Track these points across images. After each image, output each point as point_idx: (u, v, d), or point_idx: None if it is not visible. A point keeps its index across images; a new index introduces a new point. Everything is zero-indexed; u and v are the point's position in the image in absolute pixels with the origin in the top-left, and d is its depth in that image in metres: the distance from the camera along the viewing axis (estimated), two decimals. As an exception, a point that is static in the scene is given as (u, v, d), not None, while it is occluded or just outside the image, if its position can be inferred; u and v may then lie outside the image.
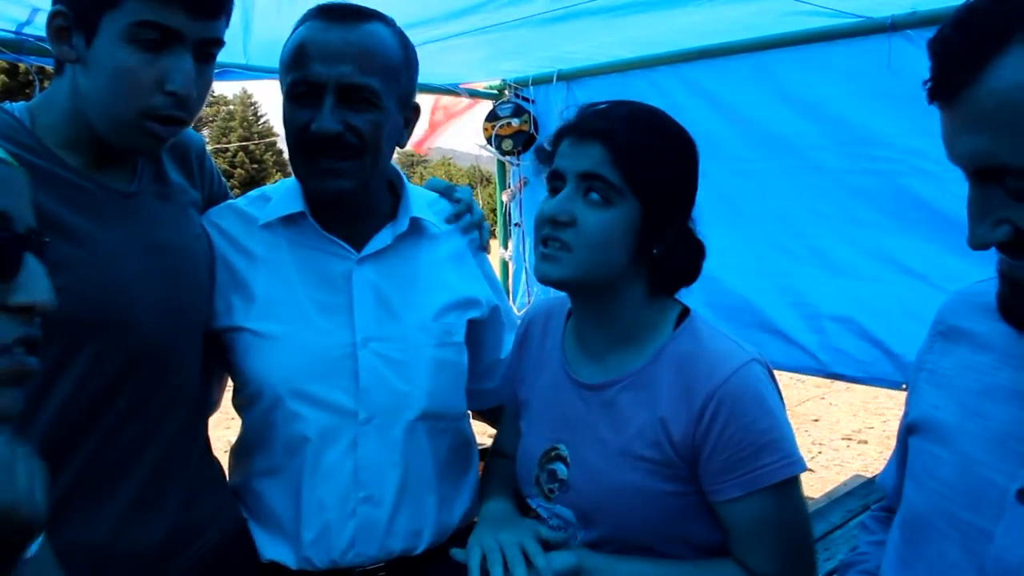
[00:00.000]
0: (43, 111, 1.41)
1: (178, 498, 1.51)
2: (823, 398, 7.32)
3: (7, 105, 1.44)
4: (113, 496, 1.40)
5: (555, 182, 1.39)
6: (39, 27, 3.41)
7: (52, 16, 1.36)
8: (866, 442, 6.40)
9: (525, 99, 4.52)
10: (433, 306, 1.66)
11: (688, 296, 1.49)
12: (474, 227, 1.83)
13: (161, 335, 1.43)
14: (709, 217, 1.48)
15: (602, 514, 1.41)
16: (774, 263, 3.40)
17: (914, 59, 2.71)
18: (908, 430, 1.18)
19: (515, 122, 4.41)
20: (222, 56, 1.50)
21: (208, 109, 46.01)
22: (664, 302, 1.46)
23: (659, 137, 1.38)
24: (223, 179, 1.84)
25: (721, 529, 1.39)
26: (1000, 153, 0.87)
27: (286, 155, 1.65)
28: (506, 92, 4.55)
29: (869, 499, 2.93)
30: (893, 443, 1.33)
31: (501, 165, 4.55)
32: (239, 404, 1.68)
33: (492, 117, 4.48)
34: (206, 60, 1.42)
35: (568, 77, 4.27)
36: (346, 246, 1.63)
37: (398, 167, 1.76)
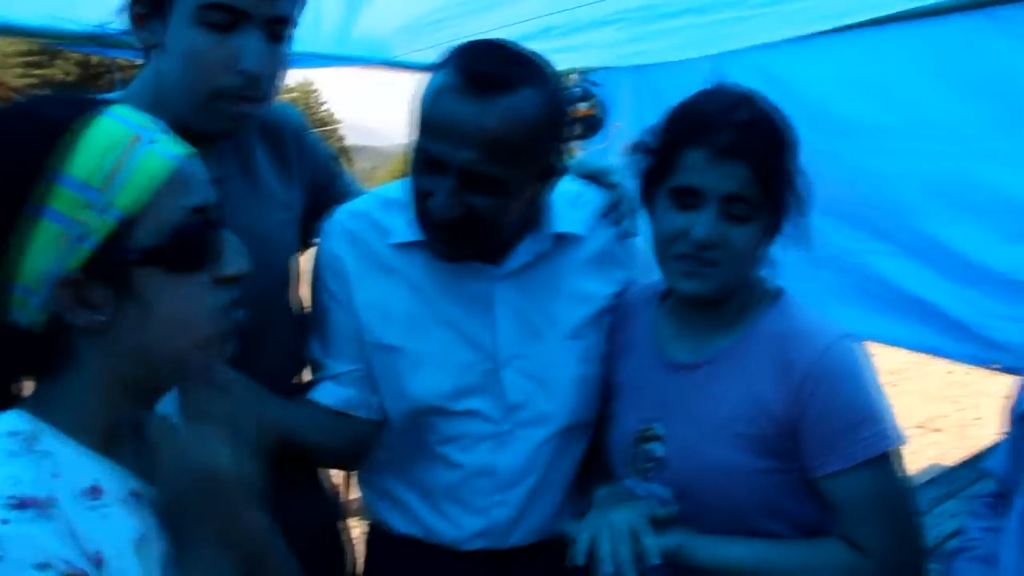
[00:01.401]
0: (130, 98, 1.43)
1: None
2: (895, 385, 7.20)
3: (100, 97, 1.47)
4: None
5: (687, 198, 1.37)
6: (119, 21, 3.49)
7: (132, 3, 1.39)
8: (940, 430, 6.27)
9: (592, 83, 4.49)
10: (573, 321, 1.61)
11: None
12: (624, 217, 1.69)
13: (244, 325, 1.44)
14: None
15: (699, 491, 1.42)
16: (839, 246, 3.33)
17: (995, 41, 2.64)
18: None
19: (582, 106, 4.38)
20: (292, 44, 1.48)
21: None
22: (759, 281, 1.48)
23: (788, 142, 1.40)
24: (329, 155, 1.80)
25: (819, 507, 1.39)
26: None
27: (348, 142, 1.62)
28: (573, 76, 4.53)
29: (952, 487, 2.86)
30: (968, 432, 1.32)
31: (569, 150, 4.54)
32: None
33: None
34: (277, 39, 1.41)
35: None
36: (484, 265, 1.56)
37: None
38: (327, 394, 1.60)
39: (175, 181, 0.91)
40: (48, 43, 4.34)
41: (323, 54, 3.74)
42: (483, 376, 1.57)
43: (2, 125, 0.88)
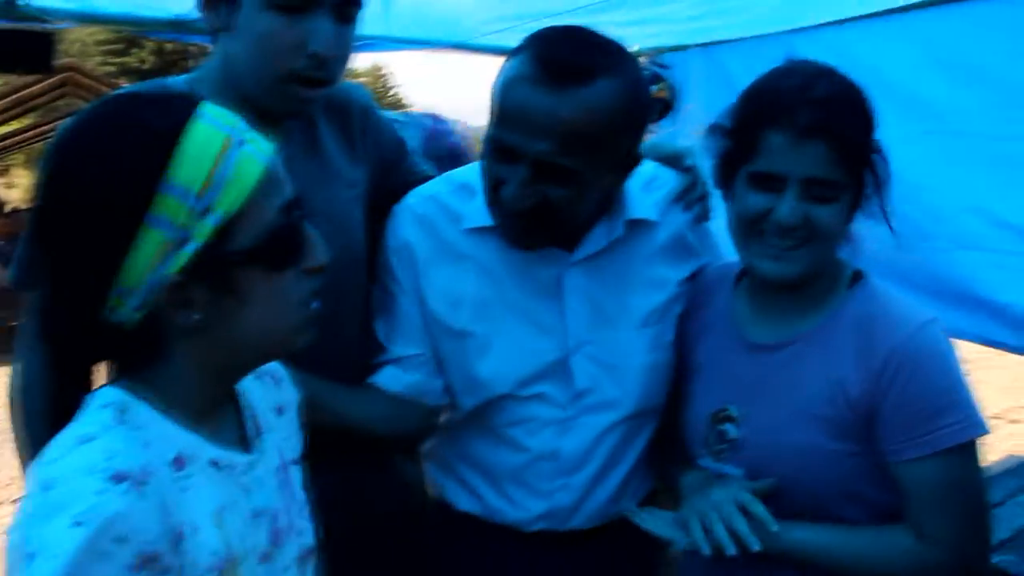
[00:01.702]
0: (199, 81, 1.48)
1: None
2: (969, 374, 6.99)
3: (169, 80, 1.52)
4: None
5: (768, 182, 1.35)
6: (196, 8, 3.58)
7: None
8: (1018, 421, 6.10)
9: (662, 65, 4.45)
10: (645, 308, 1.60)
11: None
12: (698, 200, 1.66)
13: None
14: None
15: (775, 472, 1.41)
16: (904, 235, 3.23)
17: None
18: None
19: (653, 89, 4.34)
20: (363, 28, 1.49)
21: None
22: (839, 263, 1.45)
23: (867, 116, 1.37)
24: (397, 139, 1.80)
25: (893, 492, 1.37)
26: None
27: None
28: (643, 59, 4.49)
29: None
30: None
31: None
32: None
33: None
34: (346, 20, 1.43)
35: (709, 43, 4.18)
36: (556, 250, 1.55)
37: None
38: (391, 380, 1.62)
39: (267, 181, 0.94)
40: (130, 31, 4.46)
41: (394, 37, 3.77)
42: (551, 362, 1.57)
43: (108, 139, 0.91)
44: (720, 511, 1.35)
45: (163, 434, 0.94)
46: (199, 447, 0.97)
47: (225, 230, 0.91)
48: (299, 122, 1.56)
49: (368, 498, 1.65)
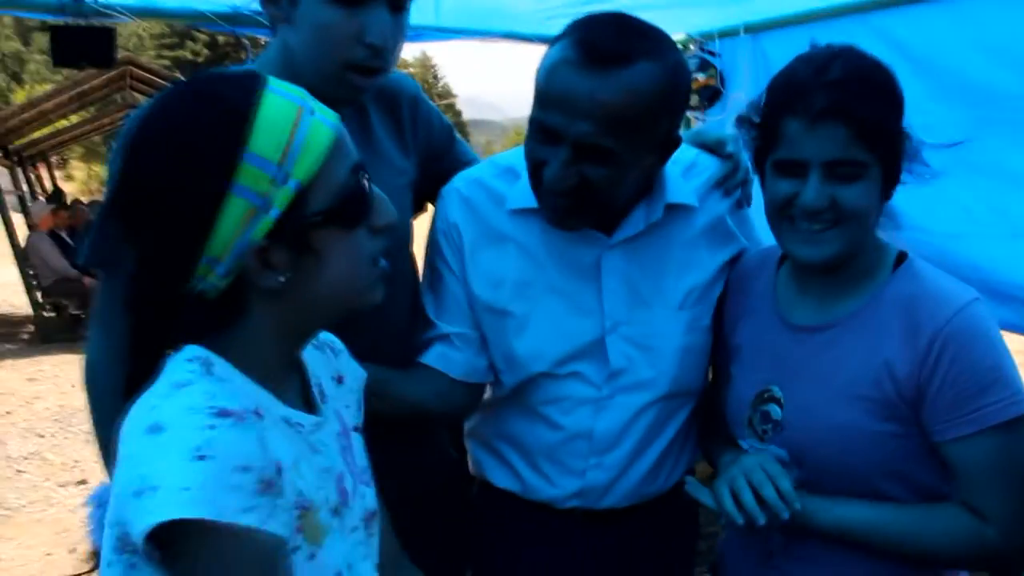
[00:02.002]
0: (261, 69, 1.52)
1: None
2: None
3: (227, 70, 1.58)
4: None
5: (791, 169, 1.38)
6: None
7: None
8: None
9: (711, 53, 4.45)
10: (682, 291, 1.63)
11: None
12: (738, 187, 1.70)
13: None
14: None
15: (818, 453, 1.43)
16: (956, 224, 3.19)
17: None
18: None
19: (700, 76, 4.34)
20: (414, 18, 1.56)
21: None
22: (882, 245, 1.47)
23: (887, 93, 1.37)
24: (447, 127, 1.87)
25: (939, 472, 1.39)
26: None
27: (465, 116, 1.69)
28: (691, 46, 4.49)
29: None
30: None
31: (687, 120, 4.51)
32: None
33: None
34: (399, 11, 1.51)
35: (755, 29, 4.16)
36: (595, 233, 1.59)
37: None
38: (440, 358, 1.67)
39: (336, 146, 1.01)
40: (186, 24, 4.56)
41: (443, 27, 3.83)
42: (588, 342, 1.61)
43: (186, 114, 0.96)
44: (751, 478, 1.38)
45: (243, 388, 1.00)
46: (272, 404, 1.03)
47: (303, 194, 0.97)
48: (352, 111, 1.62)
49: (411, 476, 1.71)
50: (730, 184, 1.68)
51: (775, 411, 1.49)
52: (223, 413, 0.90)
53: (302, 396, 1.14)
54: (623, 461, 1.65)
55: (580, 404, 1.63)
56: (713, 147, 1.72)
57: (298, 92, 1.02)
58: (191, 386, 0.93)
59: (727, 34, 4.29)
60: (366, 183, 1.06)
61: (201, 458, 0.85)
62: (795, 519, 1.36)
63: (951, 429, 1.34)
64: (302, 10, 1.47)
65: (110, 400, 1.22)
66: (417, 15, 1.60)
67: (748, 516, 1.36)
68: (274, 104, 0.97)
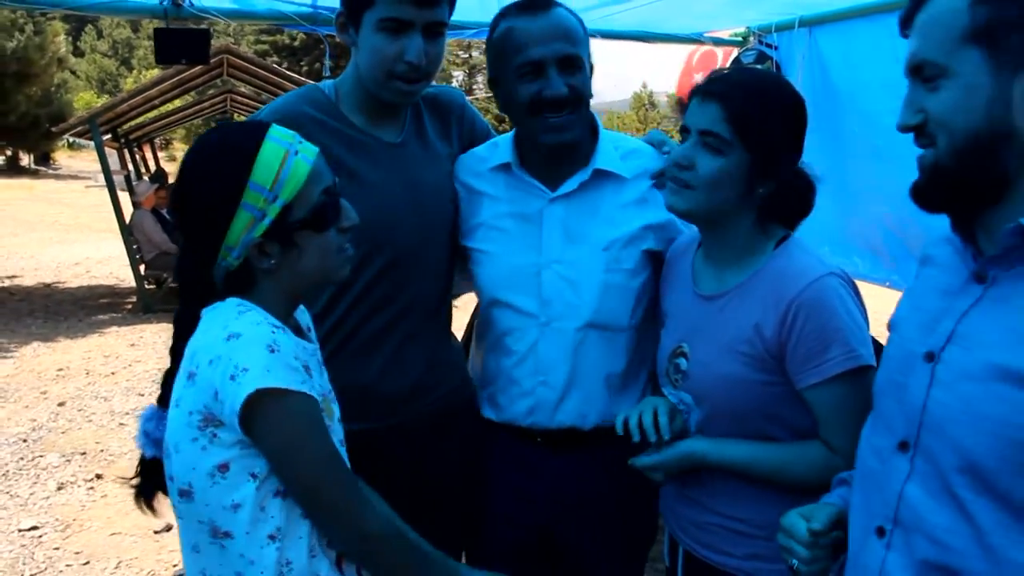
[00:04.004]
0: (342, 84, 2.07)
1: (422, 360, 2.10)
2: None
3: (322, 84, 2.11)
4: (377, 353, 2.03)
5: (684, 134, 1.74)
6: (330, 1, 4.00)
7: (336, 16, 2.02)
8: None
9: (768, 46, 4.59)
10: (607, 238, 2.04)
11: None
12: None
13: (413, 246, 2.03)
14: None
15: (713, 398, 1.77)
16: None
17: None
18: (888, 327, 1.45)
19: (759, 67, 4.47)
20: (470, 16, 1.97)
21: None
22: (772, 230, 1.77)
23: (768, 99, 1.68)
24: (486, 126, 2.32)
25: (807, 415, 1.69)
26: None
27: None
28: (750, 40, 4.64)
29: None
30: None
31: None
32: None
33: (736, 64, 4.58)
34: (435, 36, 1.98)
35: (810, 23, 4.30)
36: (543, 188, 2.06)
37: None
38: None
39: (312, 176, 1.46)
40: (273, 24, 4.87)
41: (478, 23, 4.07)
42: (528, 275, 2.03)
43: (213, 155, 1.45)
44: (642, 411, 1.77)
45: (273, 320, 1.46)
46: (289, 335, 1.45)
47: (287, 209, 1.44)
48: (412, 116, 2.11)
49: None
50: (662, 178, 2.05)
51: (683, 363, 1.83)
52: (276, 327, 1.39)
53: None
54: (564, 380, 2.04)
55: (527, 331, 2.05)
56: (657, 146, 2.13)
57: (288, 137, 1.46)
58: (251, 311, 1.41)
59: (784, 27, 4.44)
60: (335, 199, 1.51)
61: (273, 351, 1.34)
62: (690, 458, 1.75)
63: (804, 379, 1.65)
64: (361, 38, 1.97)
65: None
66: (464, 12, 2.04)
67: (629, 432, 1.74)
68: (270, 148, 1.42)
